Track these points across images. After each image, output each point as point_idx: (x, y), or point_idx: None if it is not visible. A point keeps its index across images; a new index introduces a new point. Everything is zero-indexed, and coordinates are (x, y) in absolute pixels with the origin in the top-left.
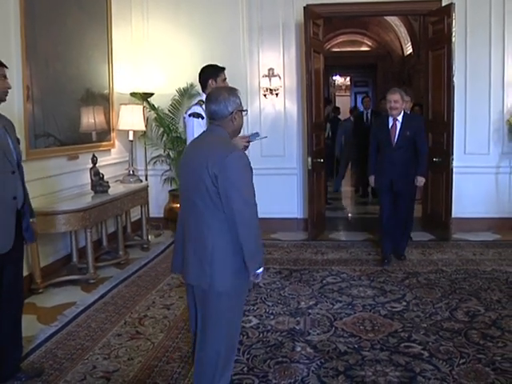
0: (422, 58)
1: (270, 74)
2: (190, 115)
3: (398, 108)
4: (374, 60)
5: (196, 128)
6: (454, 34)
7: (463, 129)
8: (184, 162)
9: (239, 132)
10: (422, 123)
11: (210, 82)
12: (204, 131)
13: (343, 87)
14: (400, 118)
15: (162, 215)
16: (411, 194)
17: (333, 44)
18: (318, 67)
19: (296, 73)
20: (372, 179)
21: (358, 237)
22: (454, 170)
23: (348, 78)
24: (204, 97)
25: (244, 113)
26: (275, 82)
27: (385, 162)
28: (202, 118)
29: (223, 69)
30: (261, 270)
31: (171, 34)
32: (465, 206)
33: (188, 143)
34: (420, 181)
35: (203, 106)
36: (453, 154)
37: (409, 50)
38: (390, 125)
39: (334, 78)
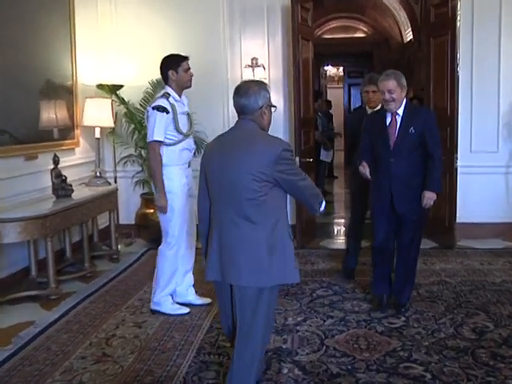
0: (423, 45)
1: (254, 64)
2: (153, 108)
3: (396, 99)
4: (369, 48)
5: (158, 123)
6: (459, 18)
7: (469, 124)
8: (214, 164)
9: (269, 128)
10: (432, 117)
11: (170, 73)
12: (232, 128)
13: (335, 78)
14: (401, 111)
15: (133, 222)
16: (419, 219)
17: (324, 30)
18: (306, 56)
19: (282, 63)
20: (364, 168)
21: None
22: (459, 169)
23: (341, 69)
24: (168, 89)
25: (273, 109)
26: (259, 73)
27: (380, 172)
28: (167, 112)
29: (185, 58)
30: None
31: (142, 20)
32: (471, 209)
33: (208, 144)
34: (428, 198)
35: (169, 100)
36: (457, 152)
37: (409, 36)
38: (389, 121)
39: (326, 68)
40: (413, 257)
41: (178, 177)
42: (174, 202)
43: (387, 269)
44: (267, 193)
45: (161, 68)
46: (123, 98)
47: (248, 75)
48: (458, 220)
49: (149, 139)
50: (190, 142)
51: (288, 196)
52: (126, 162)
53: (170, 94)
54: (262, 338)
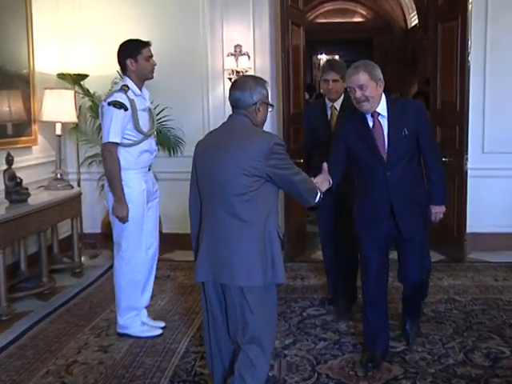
0: (429, 31)
1: (237, 52)
2: (109, 104)
3: (371, 97)
4: (369, 34)
5: (115, 122)
6: (470, 1)
7: (481, 121)
8: (203, 160)
9: (262, 126)
10: (423, 109)
11: (128, 62)
12: (224, 122)
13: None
14: (383, 110)
15: (98, 230)
16: (425, 236)
17: (317, 14)
18: (297, 43)
19: (269, 51)
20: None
21: None
22: (469, 172)
23: (336, 58)
24: (127, 81)
25: (270, 108)
26: (243, 63)
27: (373, 193)
28: (126, 109)
29: (146, 44)
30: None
31: (109, 2)
32: (483, 217)
33: (200, 141)
34: (437, 214)
35: (128, 94)
36: (467, 153)
37: (414, 21)
38: (371, 124)
39: (319, 57)
40: (425, 282)
41: (137, 182)
42: (130, 212)
43: (383, 321)
44: (258, 188)
45: (118, 56)
46: (88, 90)
47: (230, 65)
48: (468, 230)
49: (104, 140)
50: (151, 143)
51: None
52: (91, 163)
53: (128, 88)
54: (262, 342)
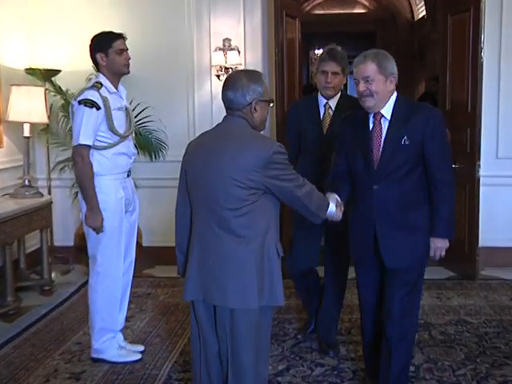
0: (438, 23)
1: (226, 46)
2: (79, 102)
3: (377, 92)
4: (372, 27)
5: (86, 122)
6: None
7: (495, 123)
8: (194, 165)
9: (263, 126)
10: (437, 119)
11: (98, 57)
12: (218, 124)
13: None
14: (387, 112)
15: (71, 243)
16: (415, 275)
17: (314, 4)
18: (292, 37)
19: (262, 45)
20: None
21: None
22: (482, 180)
23: (338, 48)
24: (101, 78)
25: (270, 104)
26: (232, 59)
27: (360, 206)
28: (98, 107)
29: (118, 36)
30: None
31: None
32: (497, 230)
33: (191, 142)
34: (438, 249)
35: (101, 91)
36: (479, 158)
37: (421, 12)
38: (371, 126)
39: (316, 52)
40: (409, 327)
41: (113, 189)
42: (106, 221)
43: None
44: (255, 201)
45: (90, 51)
46: (60, 87)
47: (218, 60)
48: (480, 243)
49: (74, 143)
50: (128, 146)
51: None
52: (63, 168)
53: (102, 84)
54: (255, 369)
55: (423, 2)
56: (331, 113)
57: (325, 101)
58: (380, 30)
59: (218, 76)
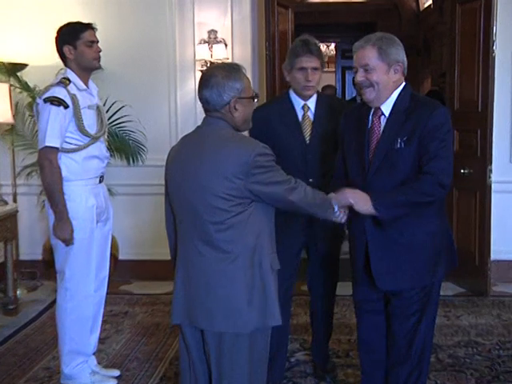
0: (446, 14)
1: (212, 39)
2: (45, 100)
3: (377, 83)
4: (372, 17)
5: (53, 122)
6: None
7: (508, 124)
8: (174, 174)
9: (247, 125)
10: (441, 118)
11: (65, 50)
12: (198, 126)
13: (325, 59)
14: (388, 106)
15: (39, 257)
16: (422, 302)
17: None
18: (284, 29)
19: (251, 38)
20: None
21: (343, 290)
22: (494, 186)
23: (332, 46)
24: (69, 73)
25: (254, 100)
26: (219, 52)
27: (353, 214)
28: (66, 106)
29: (87, 27)
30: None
31: None
32: (510, 241)
33: (173, 147)
34: (358, 202)
35: (69, 88)
36: (491, 162)
37: (427, 1)
38: (369, 125)
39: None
40: (417, 371)
41: (83, 197)
42: (75, 232)
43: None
44: (241, 212)
45: (56, 44)
46: (27, 83)
47: (203, 54)
48: (492, 256)
49: (40, 145)
50: (100, 148)
51: None
52: (30, 173)
53: (70, 81)
54: None
55: None
56: (311, 116)
57: (302, 102)
58: (381, 20)
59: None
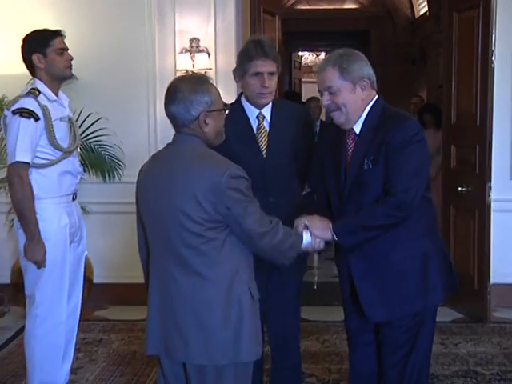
0: (442, 22)
1: (194, 48)
2: (14, 112)
3: (344, 104)
4: (365, 25)
5: (22, 135)
6: None
7: (508, 139)
8: (144, 195)
9: (220, 138)
10: (408, 131)
11: (35, 58)
12: (168, 144)
13: (315, 69)
14: (359, 125)
15: (7, 281)
16: (412, 332)
17: None
18: (271, 37)
19: (235, 46)
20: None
21: (333, 315)
22: (493, 205)
23: (322, 55)
24: (38, 83)
25: (223, 112)
26: (201, 62)
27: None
28: (36, 118)
29: (57, 34)
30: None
31: None
32: (511, 264)
33: (144, 165)
34: (319, 240)
35: (39, 99)
36: (491, 179)
37: (423, 8)
38: (344, 145)
39: (300, 54)
40: None
41: (55, 215)
42: (47, 254)
43: None
44: (215, 238)
45: (22, 53)
46: None
47: (185, 64)
48: (492, 280)
49: (10, 160)
50: (73, 163)
51: None
52: None
53: (39, 91)
54: None
55: None
56: (267, 126)
57: (257, 111)
58: (375, 28)
59: None
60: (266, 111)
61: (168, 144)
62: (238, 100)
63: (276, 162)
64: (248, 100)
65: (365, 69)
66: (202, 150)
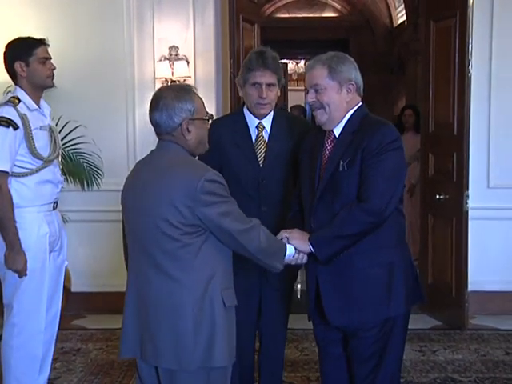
0: (420, 30)
1: (173, 55)
2: None
3: (327, 103)
4: (344, 33)
5: (1, 144)
6: None
7: (485, 147)
8: (129, 199)
9: (203, 147)
10: (385, 136)
11: (17, 66)
12: (152, 150)
13: (294, 77)
14: (339, 128)
15: None
16: (380, 342)
17: (278, 7)
18: (250, 45)
19: (215, 54)
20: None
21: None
22: (471, 213)
23: (302, 63)
24: (18, 92)
25: (206, 121)
26: (180, 70)
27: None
28: (15, 127)
29: (40, 42)
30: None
31: None
32: (489, 272)
33: (129, 173)
34: (299, 256)
35: (19, 108)
36: (468, 187)
37: (401, 17)
38: (323, 148)
39: (281, 61)
40: None
41: (35, 224)
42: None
43: None
44: (191, 243)
45: (4, 61)
46: None
47: (164, 72)
48: (470, 287)
49: None
50: (54, 172)
51: None
52: None
53: (19, 100)
54: None
55: (403, 6)
56: (266, 137)
57: (257, 121)
58: (354, 37)
59: None
60: (267, 122)
61: (151, 151)
62: (241, 109)
63: (272, 172)
64: (249, 109)
65: (353, 72)
66: (182, 156)
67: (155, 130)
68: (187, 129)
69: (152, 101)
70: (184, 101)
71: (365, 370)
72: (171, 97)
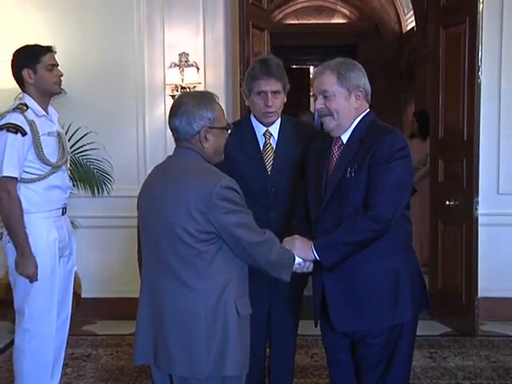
0: (429, 36)
1: (183, 62)
2: (1, 127)
3: (336, 111)
4: (353, 39)
5: (10, 150)
6: (481, 0)
7: (495, 153)
8: (145, 205)
9: (219, 157)
10: (391, 145)
11: (25, 74)
12: (169, 156)
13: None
14: (347, 135)
15: None
16: (388, 349)
17: (287, 12)
18: (259, 51)
19: (224, 61)
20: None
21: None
22: (481, 219)
23: (311, 69)
24: (26, 99)
25: (225, 131)
26: (190, 76)
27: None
28: (24, 133)
29: (48, 50)
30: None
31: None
32: (499, 278)
33: (146, 179)
34: (305, 264)
35: (27, 114)
36: (478, 194)
37: (410, 23)
38: (329, 155)
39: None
40: None
41: (44, 230)
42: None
43: None
44: (206, 251)
45: (12, 68)
46: None
47: (174, 79)
48: (480, 294)
49: None
50: (62, 177)
51: None
52: None
53: (27, 106)
54: None
55: (412, 12)
56: (273, 144)
57: (264, 128)
58: (362, 43)
59: (173, 97)
60: (274, 129)
61: (168, 157)
62: (248, 116)
63: (280, 179)
64: (255, 117)
65: (362, 79)
66: (199, 164)
67: (174, 135)
68: (205, 137)
69: (173, 106)
70: (205, 109)
71: (373, 376)
72: (192, 104)
